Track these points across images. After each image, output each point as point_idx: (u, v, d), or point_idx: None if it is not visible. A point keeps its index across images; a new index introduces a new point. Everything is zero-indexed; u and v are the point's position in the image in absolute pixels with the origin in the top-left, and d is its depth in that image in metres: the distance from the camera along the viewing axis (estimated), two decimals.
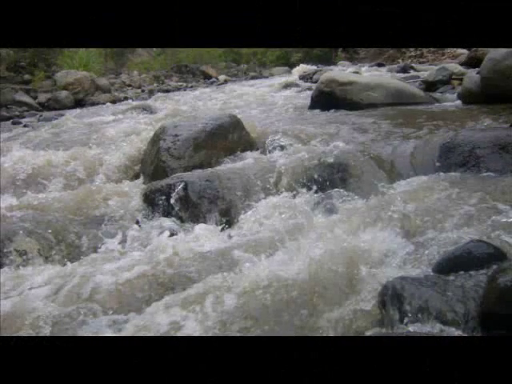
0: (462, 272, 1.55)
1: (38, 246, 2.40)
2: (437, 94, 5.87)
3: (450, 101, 5.30)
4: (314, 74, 11.56)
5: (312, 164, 2.95)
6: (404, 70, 10.68)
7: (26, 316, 1.75)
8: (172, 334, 1.59)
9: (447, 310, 1.39)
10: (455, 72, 6.63)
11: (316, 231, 2.16)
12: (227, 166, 3.26)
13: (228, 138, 3.59)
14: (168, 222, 2.65)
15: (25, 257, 2.33)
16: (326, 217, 2.47)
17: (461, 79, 5.75)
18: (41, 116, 8.13)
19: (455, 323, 1.37)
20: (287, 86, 9.53)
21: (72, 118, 6.52)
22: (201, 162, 3.36)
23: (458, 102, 5.07)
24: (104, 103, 9.52)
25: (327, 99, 5.38)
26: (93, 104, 9.78)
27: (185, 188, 2.77)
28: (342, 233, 2.01)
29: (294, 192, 2.79)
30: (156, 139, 3.54)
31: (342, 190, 2.73)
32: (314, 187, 2.80)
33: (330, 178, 2.86)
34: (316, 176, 2.87)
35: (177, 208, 2.73)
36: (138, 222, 2.73)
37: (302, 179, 2.88)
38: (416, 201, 2.27)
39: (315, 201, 2.67)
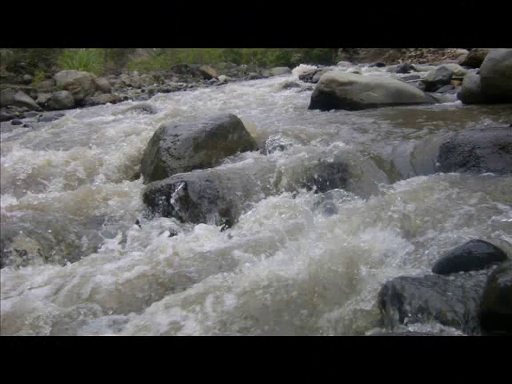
0: (461, 272, 1.56)
1: (38, 246, 2.40)
2: (437, 94, 5.88)
3: (450, 101, 5.30)
4: (313, 73, 11.57)
5: (312, 164, 2.95)
6: (404, 69, 10.68)
7: (26, 316, 1.75)
8: (172, 334, 1.59)
9: (447, 310, 1.39)
10: (455, 72, 6.63)
11: (316, 231, 2.16)
12: (227, 166, 3.26)
13: (228, 137, 3.59)
14: (168, 222, 2.65)
15: (25, 257, 2.33)
16: (326, 217, 2.47)
17: (461, 79, 5.75)
18: (41, 116, 8.13)
19: (455, 323, 1.37)
20: (287, 86, 9.53)
21: (72, 118, 6.52)
22: (201, 161, 3.36)
23: (458, 102, 5.07)
24: (104, 103, 9.52)
25: (327, 99, 5.38)
26: (93, 104, 9.78)
27: (185, 188, 2.77)
28: (341, 233, 2.01)
29: (294, 192, 2.79)
30: (156, 139, 3.54)
31: (342, 190, 2.73)
32: (314, 187, 2.80)
33: (330, 178, 2.86)
34: (316, 176, 2.87)
35: (177, 208, 2.73)
36: (138, 222, 2.73)
37: (302, 179, 2.88)
38: (416, 201, 2.27)
39: (315, 201, 2.68)
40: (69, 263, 2.24)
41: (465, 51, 11.61)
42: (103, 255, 2.35)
